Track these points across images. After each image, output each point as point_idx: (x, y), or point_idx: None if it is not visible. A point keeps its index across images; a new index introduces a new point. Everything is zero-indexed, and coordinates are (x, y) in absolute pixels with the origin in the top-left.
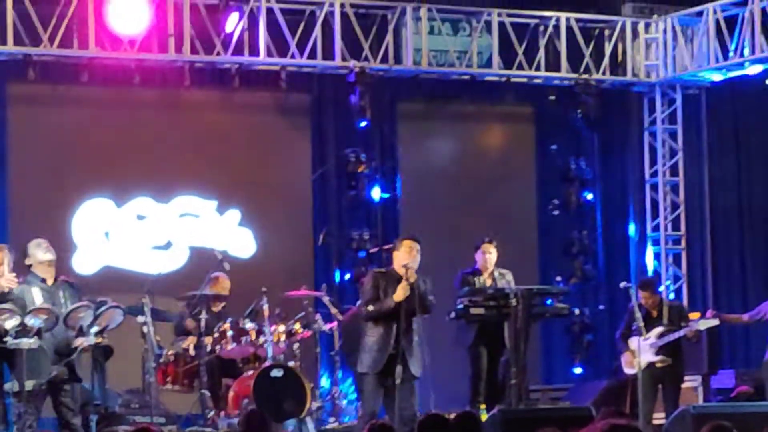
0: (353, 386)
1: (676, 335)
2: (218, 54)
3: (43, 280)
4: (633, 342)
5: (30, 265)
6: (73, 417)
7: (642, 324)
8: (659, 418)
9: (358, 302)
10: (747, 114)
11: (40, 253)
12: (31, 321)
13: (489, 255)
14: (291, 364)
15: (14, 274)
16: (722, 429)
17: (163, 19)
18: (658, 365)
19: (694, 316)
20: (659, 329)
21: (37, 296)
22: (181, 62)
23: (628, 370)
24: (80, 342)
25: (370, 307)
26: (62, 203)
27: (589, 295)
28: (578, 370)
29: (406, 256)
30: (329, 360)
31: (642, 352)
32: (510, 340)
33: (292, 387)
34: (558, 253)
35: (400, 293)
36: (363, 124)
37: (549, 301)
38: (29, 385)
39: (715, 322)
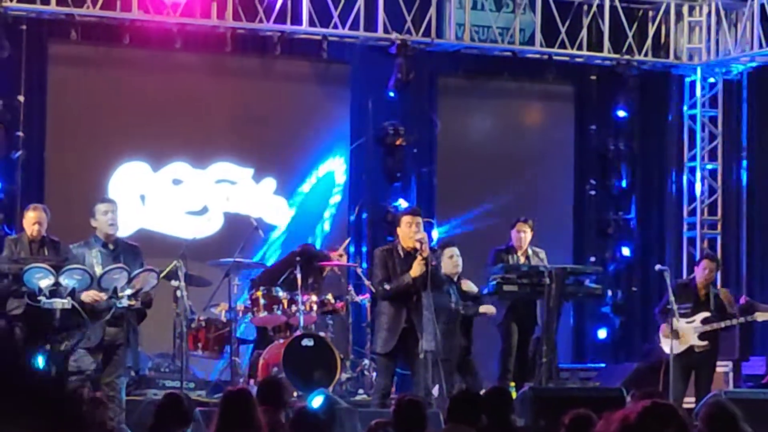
0: None
1: (724, 324)
2: (260, 21)
3: (105, 245)
4: (676, 322)
5: (95, 227)
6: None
7: (676, 307)
8: (689, 402)
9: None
10: None
11: (103, 223)
12: (65, 281)
13: (524, 234)
14: (322, 334)
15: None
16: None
17: None
18: (697, 350)
19: None
20: (705, 314)
21: (96, 259)
22: (223, 28)
23: (665, 346)
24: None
25: (388, 286)
26: (99, 165)
27: (623, 277)
28: (608, 351)
29: (407, 231)
30: (361, 331)
31: (683, 334)
32: (542, 318)
33: (322, 357)
34: (593, 234)
35: (417, 269)
36: (392, 95)
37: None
38: (62, 346)
39: None
